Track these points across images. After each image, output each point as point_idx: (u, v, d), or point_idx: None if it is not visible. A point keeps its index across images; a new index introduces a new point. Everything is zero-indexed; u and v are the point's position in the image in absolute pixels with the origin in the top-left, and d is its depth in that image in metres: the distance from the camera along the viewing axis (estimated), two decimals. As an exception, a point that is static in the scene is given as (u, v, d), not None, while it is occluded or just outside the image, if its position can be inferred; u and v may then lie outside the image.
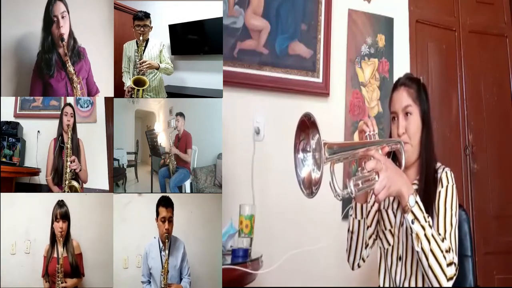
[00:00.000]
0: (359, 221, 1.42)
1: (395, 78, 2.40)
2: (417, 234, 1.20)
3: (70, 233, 1.68)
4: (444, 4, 2.80)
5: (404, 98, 1.38)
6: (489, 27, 2.88)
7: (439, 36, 2.74)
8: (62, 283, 1.61)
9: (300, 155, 1.07)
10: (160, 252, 1.63)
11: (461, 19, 2.81)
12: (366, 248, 1.48)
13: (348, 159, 1.18)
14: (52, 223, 1.66)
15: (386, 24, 2.55)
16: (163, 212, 1.62)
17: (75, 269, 1.66)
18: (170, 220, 1.63)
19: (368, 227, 1.46)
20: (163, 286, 1.59)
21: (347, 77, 2.43)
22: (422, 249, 1.20)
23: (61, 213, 1.65)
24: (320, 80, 2.32)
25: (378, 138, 1.30)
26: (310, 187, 1.05)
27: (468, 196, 2.62)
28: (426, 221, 1.20)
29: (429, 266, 1.20)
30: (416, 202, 1.20)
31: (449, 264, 1.20)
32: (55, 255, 1.63)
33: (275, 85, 2.24)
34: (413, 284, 1.35)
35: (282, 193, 2.11)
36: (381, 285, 1.46)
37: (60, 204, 1.67)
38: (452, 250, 1.24)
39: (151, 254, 1.66)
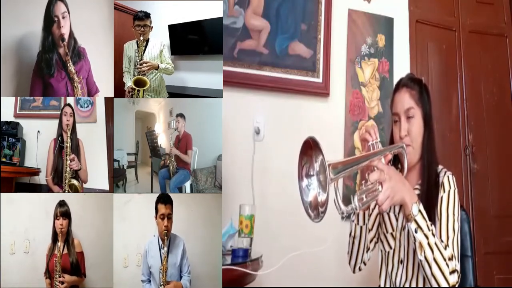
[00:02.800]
0: (361, 227, 1.41)
1: (395, 78, 2.42)
2: (420, 243, 1.20)
3: (71, 231, 1.69)
4: (444, 4, 2.80)
5: (406, 100, 1.37)
6: (489, 27, 2.88)
7: (439, 36, 2.74)
8: (60, 277, 1.61)
9: (305, 181, 1.05)
10: (160, 250, 1.62)
11: (461, 19, 2.81)
12: (367, 251, 1.48)
13: (351, 172, 1.17)
14: (54, 222, 1.66)
15: (386, 24, 2.55)
16: (162, 209, 1.62)
17: (76, 268, 1.66)
18: (169, 217, 1.62)
19: (369, 231, 1.46)
20: (161, 283, 1.58)
21: (347, 77, 2.43)
22: (425, 257, 1.20)
23: (62, 212, 1.66)
24: (320, 80, 2.32)
25: (380, 145, 1.29)
26: (316, 209, 1.03)
27: (468, 196, 2.62)
28: (429, 230, 1.20)
29: (432, 275, 1.20)
30: (420, 210, 1.20)
31: (451, 272, 1.20)
32: (56, 252, 1.64)
33: (275, 85, 2.24)
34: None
35: (282, 193, 2.11)
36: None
37: (61, 203, 1.68)
38: (455, 258, 1.24)
39: (150, 252, 1.66)
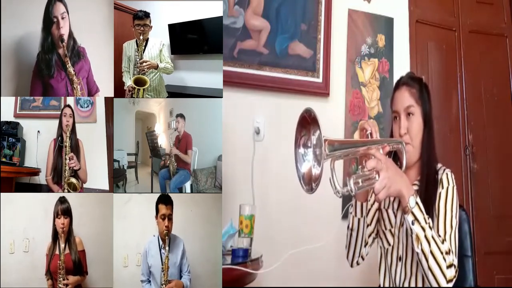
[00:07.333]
0: (358, 219, 1.41)
1: (395, 78, 2.41)
2: (417, 235, 1.20)
3: (73, 230, 1.67)
4: (444, 4, 2.80)
5: (406, 98, 1.38)
6: (489, 27, 2.88)
7: (439, 36, 2.74)
8: (63, 279, 1.59)
9: (301, 150, 1.06)
10: (160, 250, 1.62)
11: (461, 19, 2.81)
12: (365, 246, 1.48)
13: (348, 156, 1.17)
14: (54, 220, 1.64)
15: (386, 24, 2.55)
16: (163, 209, 1.61)
17: (78, 266, 1.64)
18: (169, 217, 1.62)
19: (368, 226, 1.46)
20: (163, 282, 1.58)
21: (347, 77, 2.43)
22: (422, 250, 1.20)
23: (63, 209, 1.64)
24: (320, 80, 2.32)
25: (379, 137, 1.30)
26: (310, 183, 1.04)
27: (468, 196, 2.62)
28: (426, 223, 1.20)
29: (429, 268, 1.20)
30: (417, 203, 1.20)
31: (448, 266, 1.20)
32: (57, 252, 1.62)
33: (275, 85, 2.24)
34: (413, 285, 1.35)
35: (282, 193, 2.11)
36: (382, 285, 1.46)
37: (62, 200, 1.66)
38: (452, 252, 1.24)
39: (150, 252, 1.66)
